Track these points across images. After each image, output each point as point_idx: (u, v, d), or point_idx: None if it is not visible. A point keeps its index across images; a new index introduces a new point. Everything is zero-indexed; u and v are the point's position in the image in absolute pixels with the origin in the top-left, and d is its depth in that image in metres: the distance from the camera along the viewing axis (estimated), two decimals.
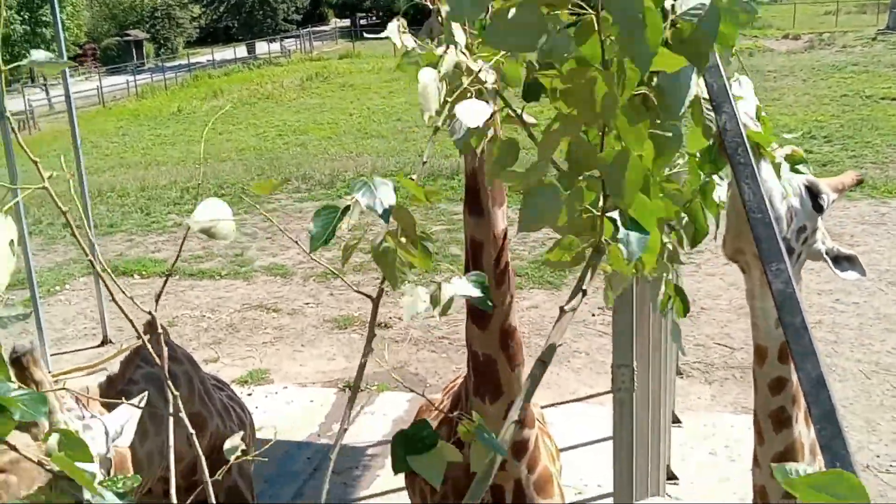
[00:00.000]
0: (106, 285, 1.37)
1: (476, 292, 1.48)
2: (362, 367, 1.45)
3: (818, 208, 2.32)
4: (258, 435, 4.46)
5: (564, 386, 7.26)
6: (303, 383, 7.80)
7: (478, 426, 1.42)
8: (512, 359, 2.78)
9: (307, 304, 9.79)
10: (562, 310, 1.37)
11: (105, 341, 8.90)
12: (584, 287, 1.34)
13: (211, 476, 3.32)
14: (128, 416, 2.18)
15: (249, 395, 7.41)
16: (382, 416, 7.04)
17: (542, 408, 3.84)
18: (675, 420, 6.36)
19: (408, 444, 1.40)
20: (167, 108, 34.67)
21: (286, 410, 7.25)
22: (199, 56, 57.21)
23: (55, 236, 12.86)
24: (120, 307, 1.37)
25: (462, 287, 1.47)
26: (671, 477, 5.71)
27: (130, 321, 1.43)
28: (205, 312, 9.68)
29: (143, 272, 10.91)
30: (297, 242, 1.42)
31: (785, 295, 1.86)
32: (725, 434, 6.41)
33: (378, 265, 1.39)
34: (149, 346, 1.48)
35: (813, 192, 2.32)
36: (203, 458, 1.63)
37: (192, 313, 9.59)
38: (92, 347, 8.79)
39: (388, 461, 6.27)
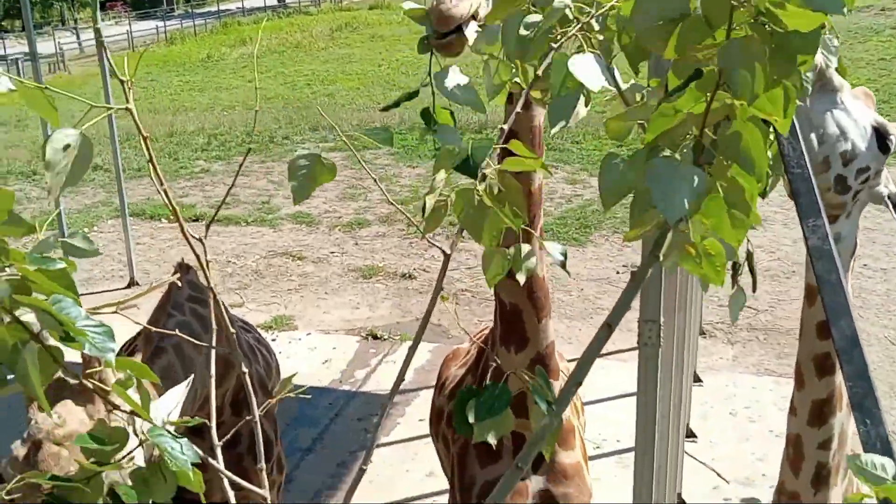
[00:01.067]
0: (179, 225, 1.38)
1: (559, 255, 1.52)
2: (427, 317, 1.46)
3: (884, 149, 2.28)
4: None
5: (587, 342, 7.23)
6: (326, 330, 7.86)
7: (534, 389, 1.43)
8: (539, 309, 2.77)
9: (332, 252, 9.83)
10: (633, 275, 1.36)
11: (132, 283, 9.00)
12: (659, 255, 1.31)
13: (236, 415, 3.37)
14: (177, 399, 2.19)
15: (273, 340, 7.47)
16: None
17: (569, 361, 3.85)
18: (697, 379, 6.36)
19: (479, 406, 1.44)
20: (196, 55, 34.59)
21: (309, 356, 7.32)
22: (229, 3, 56.93)
23: (84, 178, 12.93)
24: (191, 245, 1.39)
25: (551, 248, 1.51)
26: (690, 435, 5.73)
27: (200, 261, 1.44)
28: (230, 258, 9.74)
29: (171, 217, 10.98)
30: (376, 181, 1.40)
31: (822, 251, 1.84)
32: (747, 395, 6.40)
33: (466, 226, 1.38)
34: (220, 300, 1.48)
35: (881, 133, 2.27)
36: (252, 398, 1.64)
37: (217, 259, 9.65)
38: (119, 289, 8.88)
39: (409, 409, 6.36)
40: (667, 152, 1.20)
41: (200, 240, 1.52)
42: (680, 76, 1.25)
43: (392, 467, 5.68)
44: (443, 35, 2.11)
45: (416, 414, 6.27)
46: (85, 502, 1.28)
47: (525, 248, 1.48)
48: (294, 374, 1.85)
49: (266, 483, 1.63)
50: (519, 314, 2.74)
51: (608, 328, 1.35)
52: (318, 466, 5.82)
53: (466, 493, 2.99)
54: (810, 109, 2.14)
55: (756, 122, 1.12)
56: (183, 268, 3.23)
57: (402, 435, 6.06)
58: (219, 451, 1.54)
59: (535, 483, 2.97)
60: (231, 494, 1.58)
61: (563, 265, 1.56)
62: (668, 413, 3.38)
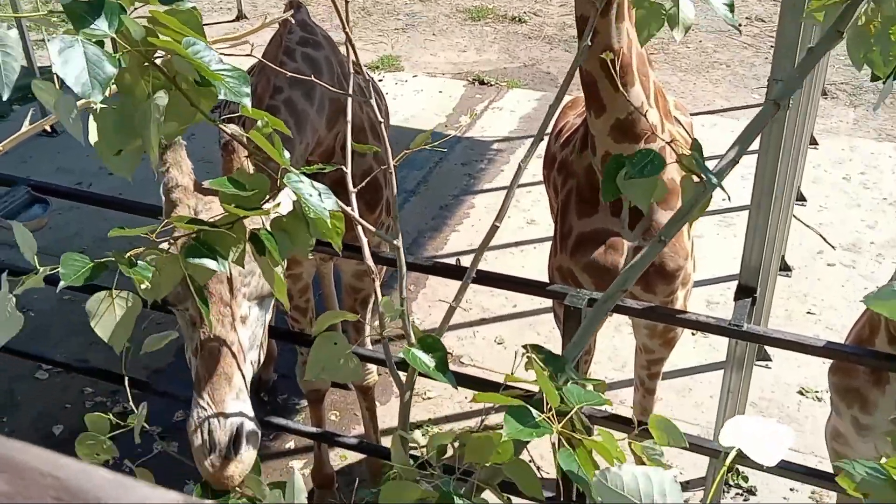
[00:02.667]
0: None
1: (724, 8, 1.46)
2: (572, 72, 1.40)
3: None
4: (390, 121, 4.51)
5: (700, 97, 7.02)
6: (432, 73, 7.77)
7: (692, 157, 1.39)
8: (613, 79, 2.69)
9: None
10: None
11: (240, 16, 8.95)
12: (842, 31, 1.20)
13: (342, 161, 3.41)
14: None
15: (380, 80, 7.44)
16: (510, 113, 7.02)
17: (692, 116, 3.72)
18: (813, 142, 6.14)
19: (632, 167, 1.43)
20: None
21: (415, 99, 7.30)
22: None
23: None
24: None
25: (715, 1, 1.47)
26: (801, 198, 5.61)
27: None
28: None
29: None
30: None
31: None
32: (863, 160, 6.18)
33: None
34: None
35: None
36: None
37: None
38: (227, 21, 8.87)
39: (513, 157, 6.36)
40: None
41: None
42: None
43: (494, 213, 5.75)
44: None
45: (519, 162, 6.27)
46: (227, 246, 1.32)
47: (687, 4, 1.38)
48: (430, 132, 1.83)
49: (397, 230, 1.65)
50: (594, 82, 2.69)
51: (775, 105, 1.27)
52: (422, 208, 5.95)
53: (564, 239, 3.06)
54: None
55: None
56: (295, 5, 3.15)
57: (505, 182, 6.10)
58: (353, 198, 1.55)
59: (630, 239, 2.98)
60: (364, 241, 1.61)
61: (730, 23, 1.47)
62: (784, 174, 3.29)
